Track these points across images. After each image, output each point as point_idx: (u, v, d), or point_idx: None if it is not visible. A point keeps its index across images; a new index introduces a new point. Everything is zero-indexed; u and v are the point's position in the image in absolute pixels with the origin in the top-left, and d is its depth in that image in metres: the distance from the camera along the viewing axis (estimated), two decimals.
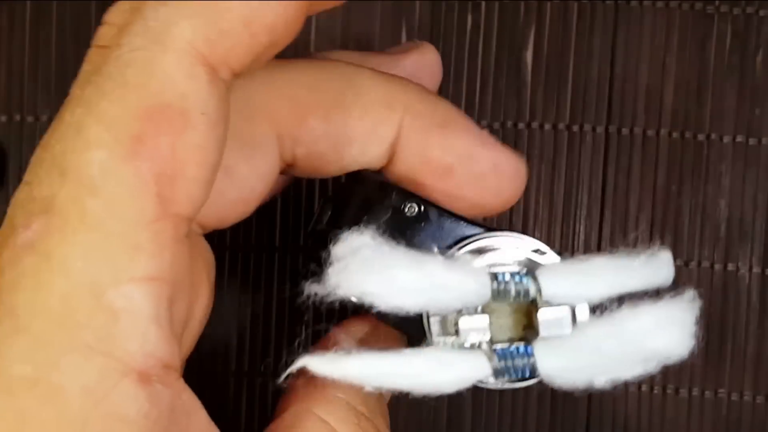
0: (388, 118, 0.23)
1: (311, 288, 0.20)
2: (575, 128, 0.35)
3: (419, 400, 0.35)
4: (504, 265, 0.22)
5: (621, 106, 0.35)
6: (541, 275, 0.22)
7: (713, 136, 0.35)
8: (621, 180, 0.35)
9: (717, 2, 0.35)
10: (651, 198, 0.35)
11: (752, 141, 0.35)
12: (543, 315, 0.21)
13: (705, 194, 0.35)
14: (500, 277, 0.21)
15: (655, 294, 0.22)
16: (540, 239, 0.22)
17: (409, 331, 0.22)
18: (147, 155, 0.17)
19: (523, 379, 0.22)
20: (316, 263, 0.21)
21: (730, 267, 0.35)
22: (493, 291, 0.21)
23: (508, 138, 0.35)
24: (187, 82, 0.18)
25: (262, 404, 0.35)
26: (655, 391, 0.35)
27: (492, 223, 0.35)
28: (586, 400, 0.35)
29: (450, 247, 0.23)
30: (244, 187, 0.22)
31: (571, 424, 0.35)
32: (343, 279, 0.20)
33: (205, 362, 0.35)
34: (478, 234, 0.23)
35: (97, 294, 0.17)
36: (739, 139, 0.35)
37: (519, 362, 0.21)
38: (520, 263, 0.23)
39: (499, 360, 0.21)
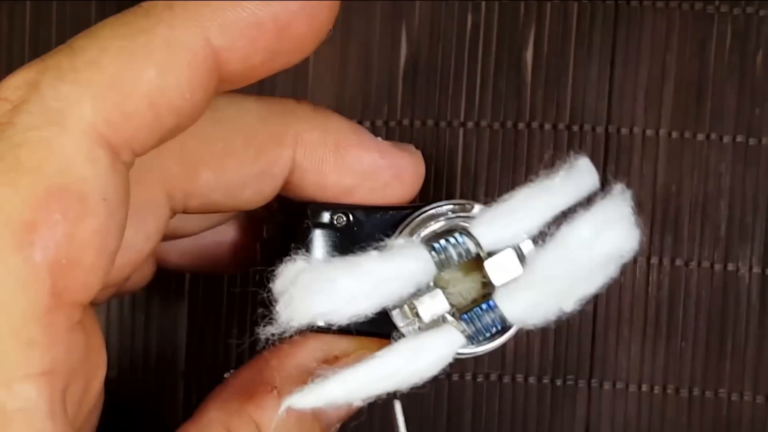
0: (280, 156, 0.22)
1: (266, 331, 0.20)
2: (575, 128, 0.35)
3: (419, 399, 0.35)
4: (438, 234, 0.22)
5: (621, 106, 0.35)
6: (474, 229, 0.22)
7: (713, 135, 0.35)
8: (621, 180, 0.35)
9: (717, 2, 0.35)
10: (651, 198, 0.35)
11: (752, 141, 0.35)
12: (489, 265, 0.22)
13: (705, 194, 0.35)
14: (438, 246, 0.22)
15: (588, 202, 0.22)
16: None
17: (379, 330, 0.22)
18: (41, 244, 0.16)
19: (499, 332, 0.22)
20: (262, 306, 0.21)
21: (730, 267, 0.35)
22: (436, 262, 0.21)
23: (508, 138, 0.35)
24: (86, 165, 0.17)
25: None
26: (656, 391, 0.35)
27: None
28: (586, 399, 0.35)
29: (389, 237, 0.23)
30: (131, 250, 0.21)
31: (571, 424, 0.35)
32: (293, 311, 0.20)
33: (204, 362, 0.35)
34: (409, 215, 0.23)
35: None
36: (739, 139, 0.35)
37: (487, 319, 0.21)
38: (453, 227, 0.23)
39: (468, 324, 0.21)
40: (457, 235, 0.22)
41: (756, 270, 0.35)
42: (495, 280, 0.22)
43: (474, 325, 0.21)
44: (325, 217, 0.23)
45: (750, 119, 0.35)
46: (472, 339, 0.21)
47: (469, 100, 0.35)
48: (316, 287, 0.20)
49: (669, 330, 0.35)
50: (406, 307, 0.22)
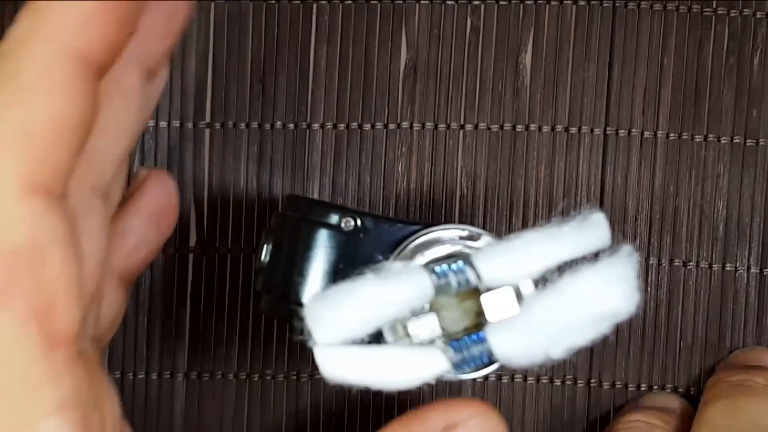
0: None
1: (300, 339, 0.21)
2: (573, 130, 0.35)
3: (419, 399, 0.35)
4: (441, 258, 0.22)
5: (619, 108, 0.35)
6: (477, 260, 0.21)
7: (711, 137, 0.35)
8: (619, 181, 0.35)
9: (714, 4, 0.35)
10: (649, 199, 0.35)
11: (750, 142, 0.35)
12: (486, 300, 0.21)
13: (703, 195, 0.35)
14: (439, 271, 0.21)
15: (596, 256, 0.22)
16: None
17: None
18: (16, 303, 0.18)
19: (485, 365, 0.22)
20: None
21: (729, 267, 0.35)
22: (435, 287, 0.21)
23: (507, 140, 0.35)
24: (28, 219, 0.18)
25: (264, 404, 0.35)
26: (655, 390, 0.35)
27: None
28: (586, 399, 0.35)
29: (393, 250, 0.23)
30: (91, 260, 0.22)
31: (571, 424, 0.35)
32: (315, 336, 0.20)
33: (206, 364, 0.35)
34: (416, 232, 0.23)
35: None
36: (736, 140, 0.35)
37: (475, 350, 0.21)
38: (456, 253, 0.23)
39: (456, 352, 0.21)
40: (460, 262, 0.22)
41: (754, 270, 0.35)
42: (489, 315, 0.22)
43: (461, 354, 0.21)
44: (334, 218, 0.23)
45: (747, 120, 0.35)
46: (456, 366, 0.21)
47: (468, 103, 0.35)
48: (321, 320, 0.20)
49: (668, 329, 0.35)
50: (397, 323, 0.22)
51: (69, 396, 0.18)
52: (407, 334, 0.22)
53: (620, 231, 0.35)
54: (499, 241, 0.22)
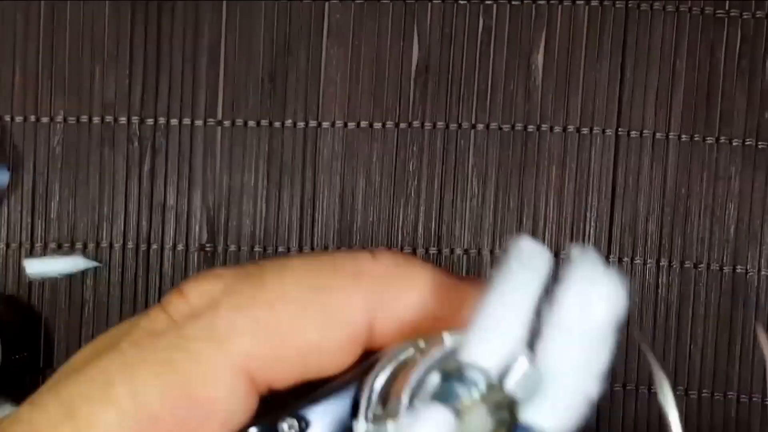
0: None
1: None
2: (585, 131, 0.35)
3: None
4: (432, 384, 0.17)
5: (631, 109, 0.35)
6: (476, 361, 0.17)
7: (722, 139, 0.35)
8: (631, 182, 0.35)
9: (726, 6, 0.35)
10: (660, 200, 0.35)
11: (761, 144, 0.35)
12: (511, 386, 0.17)
13: (714, 197, 0.35)
14: (450, 398, 0.17)
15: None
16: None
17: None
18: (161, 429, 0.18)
19: None
20: None
21: (739, 269, 0.35)
22: (455, 416, 0.17)
23: (518, 140, 0.35)
24: (223, 388, 0.18)
25: None
26: None
27: (496, 235, 0.35)
28: (596, 401, 0.35)
29: (354, 415, 0.18)
30: None
31: (581, 426, 0.35)
32: None
33: None
34: (357, 380, 0.19)
35: None
36: (748, 142, 0.35)
37: None
38: (442, 370, 0.18)
39: None
40: (463, 377, 0.18)
41: (764, 272, 0.35)
42: (522, 395, 0.18)
43: None
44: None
45: (759, 122, 0.35)
46: None
47: (479, 103, 0.35)
48: None
49: (678, 332, 0.35)
50: None
51: None
52: None
53: (631, 233, 0.35)
54: (468, 329, 0.19)
